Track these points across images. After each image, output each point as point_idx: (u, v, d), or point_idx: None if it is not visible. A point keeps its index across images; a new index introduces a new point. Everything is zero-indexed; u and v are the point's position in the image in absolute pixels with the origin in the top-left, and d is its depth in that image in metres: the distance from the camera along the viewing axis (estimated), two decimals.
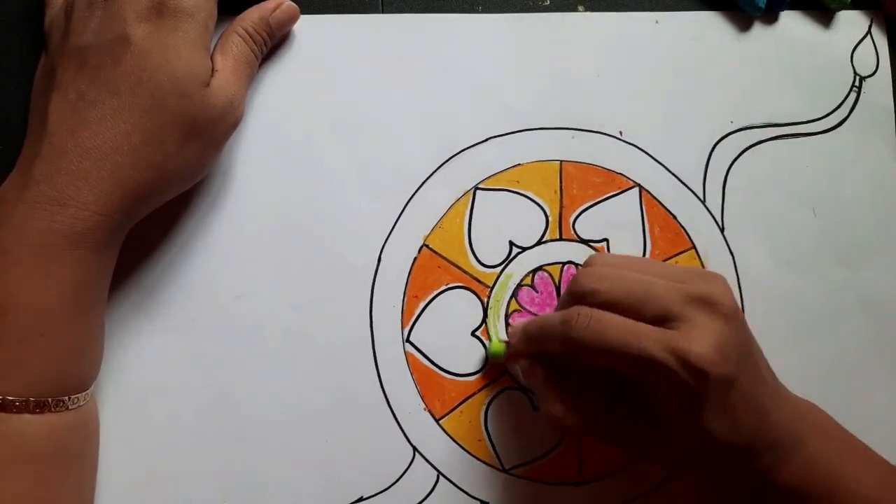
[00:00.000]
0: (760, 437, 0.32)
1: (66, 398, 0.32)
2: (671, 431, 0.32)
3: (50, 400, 0.31)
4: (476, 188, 0.40)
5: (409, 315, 0.39)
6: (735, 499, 0.34)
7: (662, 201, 0.41)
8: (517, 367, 0.39)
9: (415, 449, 0.38)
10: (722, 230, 0.41)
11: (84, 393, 0.33)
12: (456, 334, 0.39)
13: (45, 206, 0.30)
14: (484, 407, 0.39)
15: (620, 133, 0.41)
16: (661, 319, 0.31)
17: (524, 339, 0.35)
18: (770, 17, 0.42)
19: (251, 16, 0.36)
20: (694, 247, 0.41)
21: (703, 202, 0.41)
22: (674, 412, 0.31)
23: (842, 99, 0.42)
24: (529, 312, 0.39)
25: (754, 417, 0.31)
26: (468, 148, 0.40)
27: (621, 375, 0.33)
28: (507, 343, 0.37)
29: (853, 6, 0.43)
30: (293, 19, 0.38)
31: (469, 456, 0.38)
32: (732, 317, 0.31)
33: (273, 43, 0.38)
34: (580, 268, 0.34)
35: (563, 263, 0.40)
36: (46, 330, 0.31)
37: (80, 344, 0.32)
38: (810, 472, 0.32)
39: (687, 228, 0.41)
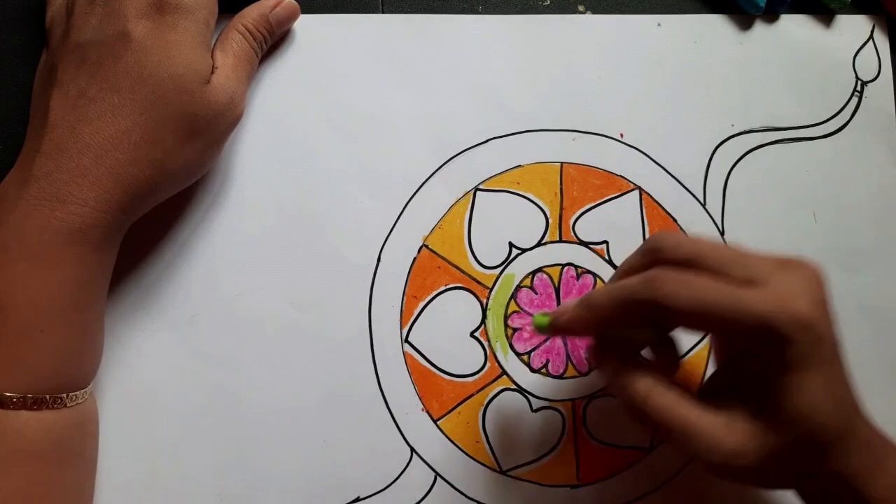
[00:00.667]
0: (856, 428, 0.29)
1: (65, 395, 0.32)
2: (773, 413, 0.28)
3: (48, 397, 0.31)
4: (476, 189, 0.40)
5: (408, 315, 0.39)
6: None
7: (663, 204, 0.41)
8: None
9: (412, 449, 0.38)
10: (722, 234, 0.41)
11: (83, 391, 0.33)
12: (455, 335, 0.39)
13: (45, 202, 0.30)
14: (482, 408, 0.38)
15: (621, 135, 0.41)
16: (750, 281, 0.28)
17: (588, 309, 0.31)
18: (771, 17, 0.42)
19: (251, 13, 0.36)
20: None
21: (704, 205, 0.41)
22: (777, 382, 0.28)
23: (843, 103, 0.42)
24: (528, 314, 0.39)
25: (852, 402, 0.29)
26: (469, 149, 0.40)
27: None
28: (558, 317, 0.33)
29: (853, 8, 0.43)
30: (293, 17, 0.38)
31: (467, 457, 0.38)
32: (822, 279, 0.29)
33: (273, 40, 0.38)
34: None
35: (563, 265, 0.40)
36: (46, 327, 0.31)
37: (79, 341, 0.32)
38: None
39: (687, 232, 0.41)
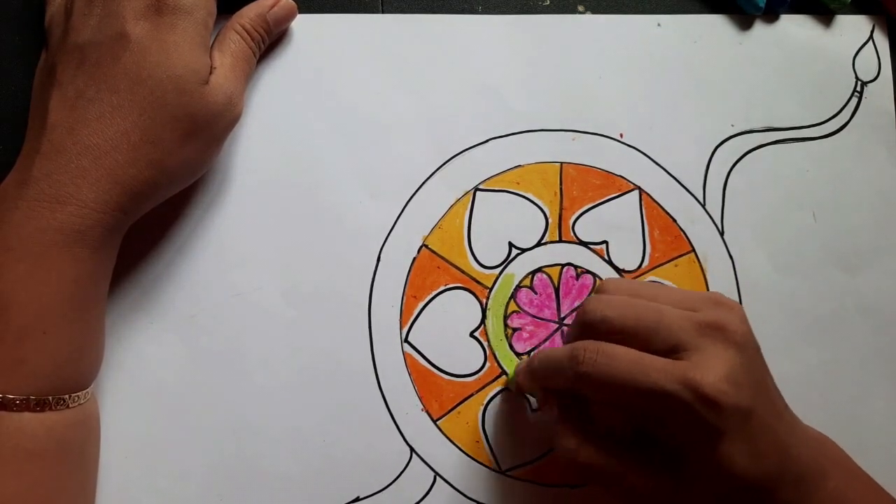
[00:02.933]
0: (783, 472, 0.30)
1: (67, 396, 0.32)
2: (692, 471, 0.30)
3: (51, 398, 0.31)
4: (476, 189, 0.40)
5: (408, 315, 0.39)
6: None
7: (662, 204, 0.41)
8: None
9: (412, 449, 0.38)
10: (722, 234, 0.41)
11: (85, 391, 0.33)
12: (454, 335, 0.39)
13: (45, 203, 0.30)
14: (482, 408, 0.38)
15: (621, 135, 0.41)
16: (672, 350, 0.30)
17: (530, 375, 0.34)
18: (772, 18, 0.42)
19: (249, 13, 0.36)
20: (693, 250, 0.41)
21: (703, 205, 0.41)
22: (692, 449, 0.30)
23: (843, 104, 0.42)
24: (528, 314, 0.39)
25: (775, 450, 0.30)
26: (468, 149, 0.40)
27: (637, 414, 0.32)
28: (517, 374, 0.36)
29: (853, 8, 0.43)
30: (291, 16, 0.38)
31: (466, 457, 0.38)
32: (745, 345, 0.30)
33: (271, 40, 0.38)
34: (590, 295, 0.33)
35: (563, 265, 0.40)
36: (47, 328, 0.31)
37: (81, 342, 0.32)
38: None
39: (687, 232, 0.41)
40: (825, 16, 0.43)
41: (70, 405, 0.32)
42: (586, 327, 0.32)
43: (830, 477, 0.31)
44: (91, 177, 0.31)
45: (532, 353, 0.37)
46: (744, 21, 0.42)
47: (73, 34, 0.32)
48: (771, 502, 0.30)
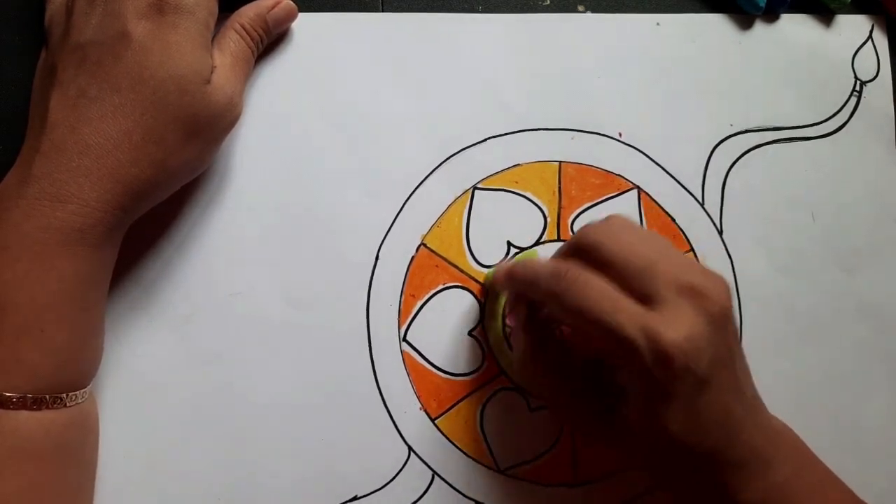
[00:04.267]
0: (726, 452, 0.30)
1: (65, 395, 0.32)
2: (631, 419, 0.31)
3: (48, 397, 0.31)
4: (475, 188, 0.40)
5: (406, 314, 0.39)
6: None
7: (661, 203, 0.41)
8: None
9: (410, 448, 0.38)
10: (720, 233, 0.41)
11: (83, 390, 0.33)
12: (453, 334, 0.39)
13: (46, 202, 0.30)
14: (480, 407, 0.38)
15: (620, 134, 0.41)
16: (647, 298, 0.30)
17: (508, 277, 0.34)
18: (771, 17, 0.42)
19: (248, 13, 0.36)
20: (692, 249, 0.41)
21: (702, 205, 0.41)
22: (636, 398, 0.30)
23: (842, 103, 0.42)
24: None
25: (722, 430, 0.30)
26: (467, 147, 0.40)
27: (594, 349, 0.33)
28: (494, 273, 0.36)
29: (853, 8, 0.43)
30: (290, 17, 0.38)
31: (464, 456, 0.38)
32: (718, 317, 0.30)
33: (269, 40, 0.38)
34: (595, 220, 0.33)
35: None
36: (46, 326, 0.31)
37: (80, 341, 0.32)
38: (774, 499, 0.31)
39: (685, 231, 0.41)
40: (824, 15, 0.43)
41: (68, 404, 0.32)
42: (577, 249, 0.32)
43: (778, 468, 0.31)
44: (93, 176, 0.31)
45: (516, 258, 0.37)
46: (743, 20, 0.42)
47: (74, 33, 0.32)
48: (709, 479, 0.31)
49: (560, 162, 0.40)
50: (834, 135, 0.42)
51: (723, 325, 0.30)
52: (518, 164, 0.40)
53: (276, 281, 0.38)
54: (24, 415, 0.30)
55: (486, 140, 0.40)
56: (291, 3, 0.38)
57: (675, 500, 0.34)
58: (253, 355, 0.37)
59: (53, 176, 0.31)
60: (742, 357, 0.32)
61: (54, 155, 0.31)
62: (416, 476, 0.38)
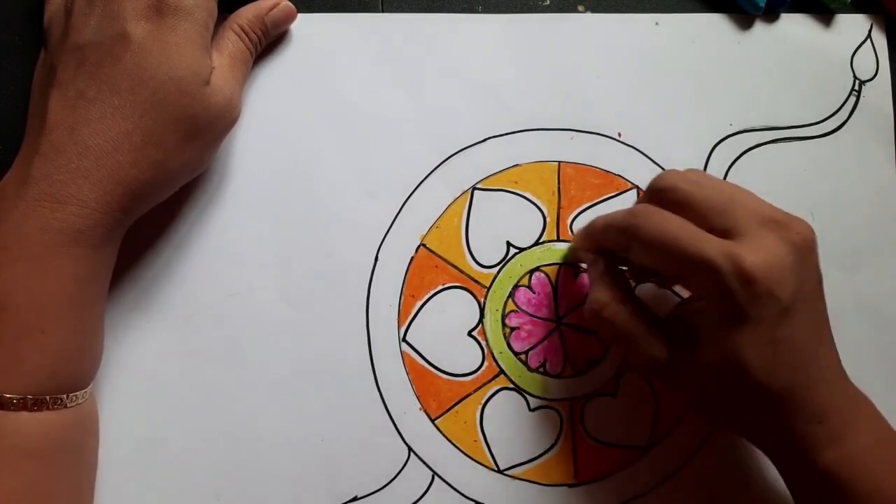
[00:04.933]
0: (804, 401, 0.30)
1: (65, 396, 0.32)
2: (705, 348, 0.30)
3: (48, 398, 0.31)
4: (474, 188, 0.40)
5: (406, 314, 0.39)
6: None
7: None
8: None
9: (410, 449, 0.38)
10: None
11: (83, 391, 0.33)
12: (452, 334, 0.39)
13: (45, 203, 0.30)
14: (479, 407, 0.38)
15: (619, 134, 0.41)
16: (728, 232, 0.30)
17: (586, 231, 0.36)
18: (770, 17, 0.42)
19: (246, 13, 0.36)
20: None
21: None
22: (711, 328, 0.30)
23: (841, 103, 0.42)
24: (526, 313, 0.39)
25: (801, 373, 0.29)
26: (466, 148, 0.40)
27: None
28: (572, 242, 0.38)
29: (853, 8, 0.43)
30: (289, 19, 0.38)
31: (464, 456, 0.38)
32: (802, 248, 0.30)
33: (268, 41, 0.38)
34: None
35: (561, 265, 0.40)
36: (46, 327, 0.31)
37: (79, 341, 0.32)
38: (855, 467, 0.30)
39: None
40: (824, 15, 0.43)
41: (68, 405, 0.32)
42: (654, 193, 0.32)
43: (860, 433, 0.30)
44: (92, 177, 0.31)
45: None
46: (742, 20, 0.42)
47: (73, 34, 0.32)
48: (782, 429, 0.30)
49: (559, 162, 0.40)
50: (833, 134, 0.42)
51: (807, 256, 0.30)
52: (517, 165, 0.40)
53: (275, 281, 0.38)
54: (24, 416, 0.30)
55: (485, 140, 0.40)
56: (290, 4, 0.38)
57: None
58: (252, 356, 0.37)
59: (53, 177, 0.31)
60: (824, 303, 0.32)
61: (54, 156, 0.31)
62: (416, 476, 0.38)
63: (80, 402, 0.33)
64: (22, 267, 0.30)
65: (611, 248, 0.35)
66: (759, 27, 0.42)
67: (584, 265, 0.39)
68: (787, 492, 0.34)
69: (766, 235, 0.29)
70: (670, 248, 0.30)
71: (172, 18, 0.32)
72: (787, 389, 0.30)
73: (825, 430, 0.30)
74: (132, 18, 0.32)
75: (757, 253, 0.29)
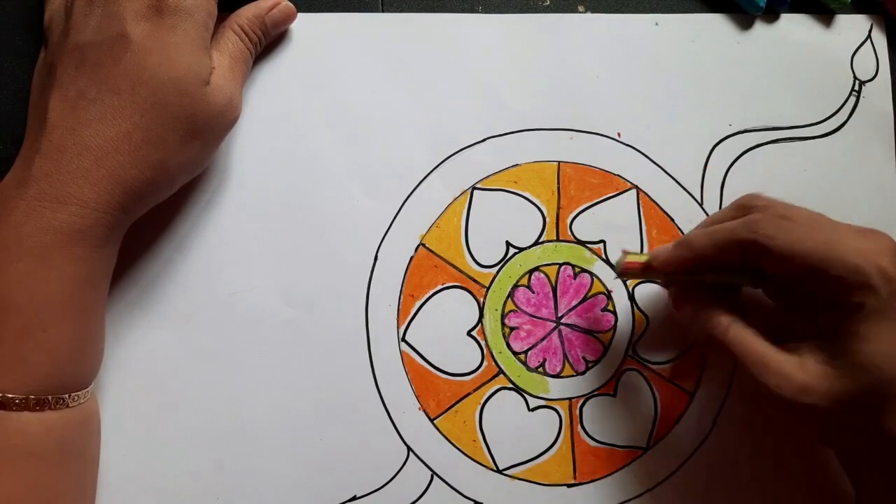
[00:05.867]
0: None
1: (67, 396, 0.32)
2: (860, 357, 0.30)
3: (50, 398, 0.31)
4: (473, 188, 0.40)
5: (405, 314, 0.39)
6: (860, 461, 0.33)
7: (660, 203, 0.41)
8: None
9: (409, 448, 0.38)
10: None
11: (85, 391, 0.33)
12: (452, 334, 0.39)
13: (46, 203, 0.31)
14: (479, 407, 0.38)
15: (619, 134, 0.41)
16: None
17: (685, 250, 0.34)
18: (770, 17, 0.42)
19: (246, 13, 0.37)
20: None
21: (701, 205, 0.41)
22: (853, 326, 0.30)
23: (841, 103, 0.42)
24: (525, 313, 0.39)
25: None
26: (466, 147, 0.40)
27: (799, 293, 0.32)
28: (655, 256, 0.35)
29: (853, 8, 0.42)
30: (289, 19, 0.38)
31: (463, 456, 0.38)
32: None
33: (268, 41, 0.38)
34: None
35: (560, 264, 0.40)
36: (47, 326, 0.31)
37: (81, 341, 0.32)
38: None
39: (684, 231, 0.41)
40: (823, 15, 0.43)
41: (70, 405, 0.32)
42: (747, 209, 0.33)
43: None
44: (92, 178, 0.31)
45: (626, 257, 0.36)
46: (741, 20, 0.42)
47: (73, 34, 0.32)
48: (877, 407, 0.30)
49: (559, 162, 0.40)
50: (833, 134, 0.42)
51: None
52: (517, 165, 0.40)
53: (275, 281, 0.38)
54: (26, 416, 0.30)
55: (485, 140, 0.40)
56: (290, 4, 0.38)
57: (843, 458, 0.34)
58: (252, 355, 0.37)
59: (53, 177, 0.31)
60: None
61: (54, 156, 0.31)
62: (415, 476, 0.38)
63: (82, 401, 0.33)
64: (23, 267, 0.30)
65: (724, 262, 0.33)
66: (759, 27, 0.42)
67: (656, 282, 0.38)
68: (785, 491, 0.34)
69: (870, 240, 0.31)
70: (808, 258, 0.30)
71: (172, 19, 0.32)
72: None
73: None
74: (132, 19, 0.32)
75: (883, 255, 0.30)
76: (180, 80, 0.32)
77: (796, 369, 0.31)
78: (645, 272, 0.35)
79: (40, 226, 0.30)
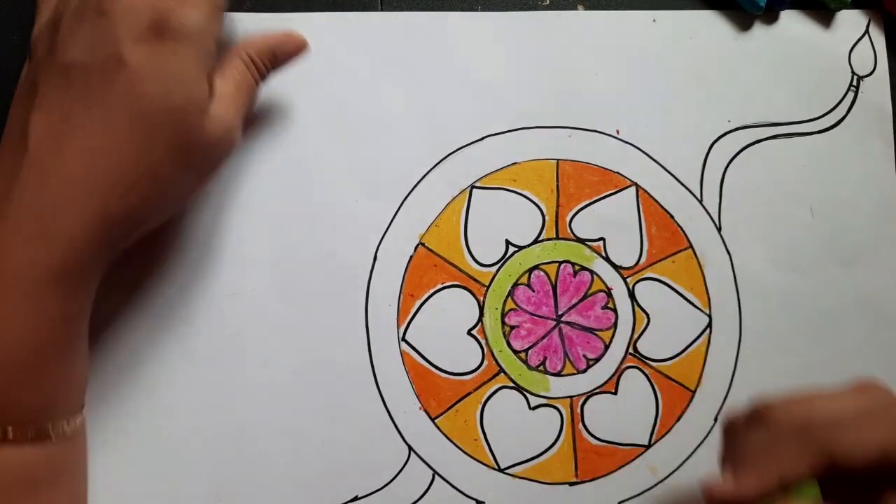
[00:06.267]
0: None
1: (49, 427, 0.30)
2: None
3: (31, 432, 0.29)
4: (472, 187, 0.40)
5: (405, 313, 0.38)
6: None
7: (659, 200, 0.41)
8: None
9: (410, 448, 0.38)
10: (719, 229, 0.41)
11: (69, 421, 0.31)
12: (452, 333, 0.39)
13: (30, 239, 0.28)
14: (480, 406, 0.38)
15: (617, 132, 0.41)
16: None
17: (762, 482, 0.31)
18: (770, 16, 0.42)
19: (256, 43, 0.34)
20: (691, 246, 0.40)
21: (701, 201, 0.41)
22: None
23: (839, 98, 0.42)
24: (526, 311, 0.39)
25: None
26: (465, 146, 0.40)
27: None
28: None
29: (853, 6, 0.42)
30: (300, 52, 0.36)
31: (465, 455, 0.38)
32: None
33: (275, 72, 0.36)
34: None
35: (560, 262, 0.40)
36: (32, 362, 0.29)
37: (66, 375, 0.31)
38: None
39: (684, 227, 0.40)
40: (821, 11, 0.43)
41: (53, 438, 0.30)
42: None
43: None
44: (78, 211, 0.29)
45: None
46: (739, 17, 0.42)
47: (59, 52, 0.29)
48: None
49: (558, 160, 0.40)
50: (831, 130, 0.42)
51: None
52: (515, 163, 0.40)
53: (273, 281, 0.38)
54: (7, 451, 0.29)
55: (483, 139, 0.40)
56: (302, 37, 0.36)
57: None
58: (251, 356, 0.37)
59: (35, 210, 0.28)
60: None
61: (36, 188, 0.28)
62: (416, 476, 0.38)
63: (68, 433, 0.31)
64: (6, 305, 0.28)
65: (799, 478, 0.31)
66: (757, 24, 0.42)
67: None
68: None
69: (881, 412, 0.31)
70: (866, 458, 0.30)
71: (173, 43, 0.29)
72: None
73: None
74: (129, 40, 0.29)
75: None
76: (178, 111, 0.29)
77: None
78: None
79: (22, 261, 0.28)
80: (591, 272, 0.40)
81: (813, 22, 0.43)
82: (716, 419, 0.40)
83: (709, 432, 0.40)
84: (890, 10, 0.42)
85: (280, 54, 0.35)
